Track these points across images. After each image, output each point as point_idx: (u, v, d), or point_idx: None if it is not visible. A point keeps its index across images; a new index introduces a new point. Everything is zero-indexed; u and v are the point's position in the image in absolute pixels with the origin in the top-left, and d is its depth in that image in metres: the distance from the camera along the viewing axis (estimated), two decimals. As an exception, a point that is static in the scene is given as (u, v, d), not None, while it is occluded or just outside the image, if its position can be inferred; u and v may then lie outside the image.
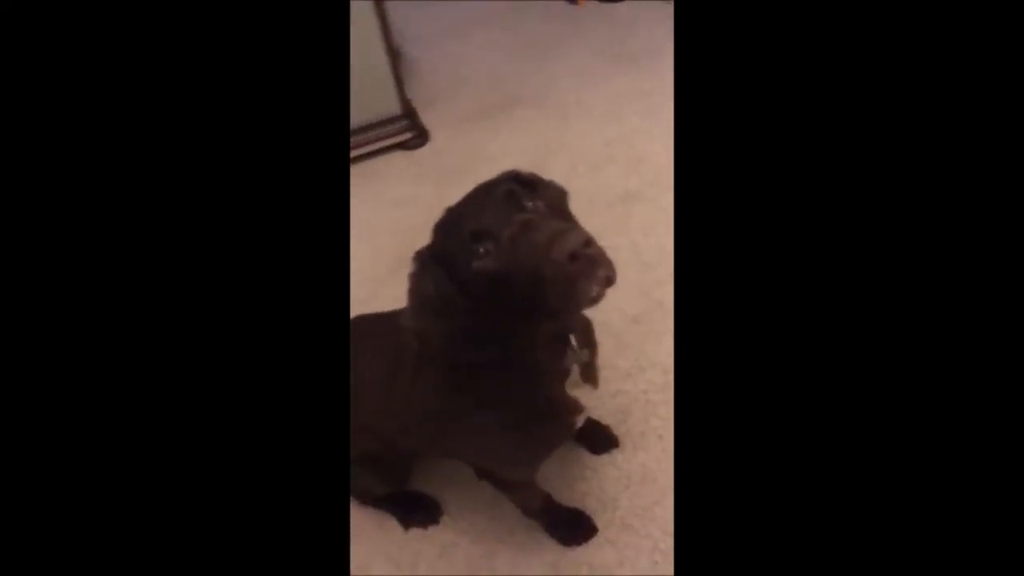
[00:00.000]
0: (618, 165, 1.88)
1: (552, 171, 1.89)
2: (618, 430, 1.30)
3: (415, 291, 0.80)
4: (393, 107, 2.09)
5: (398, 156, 2.13)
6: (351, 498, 1.24)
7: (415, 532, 1.22)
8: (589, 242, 0.67)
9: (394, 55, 2.04)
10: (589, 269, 0.67)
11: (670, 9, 2.63)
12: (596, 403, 1.31)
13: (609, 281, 0.70)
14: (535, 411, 0.91)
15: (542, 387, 0.90)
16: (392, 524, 1.24)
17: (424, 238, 0.79)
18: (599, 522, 1.17)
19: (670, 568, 1.12)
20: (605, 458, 1.27)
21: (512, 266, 0.70)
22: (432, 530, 1.22)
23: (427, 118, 2.22)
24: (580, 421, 0.97)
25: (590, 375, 0.96)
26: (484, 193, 0.78)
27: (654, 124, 1.96)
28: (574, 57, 2.40)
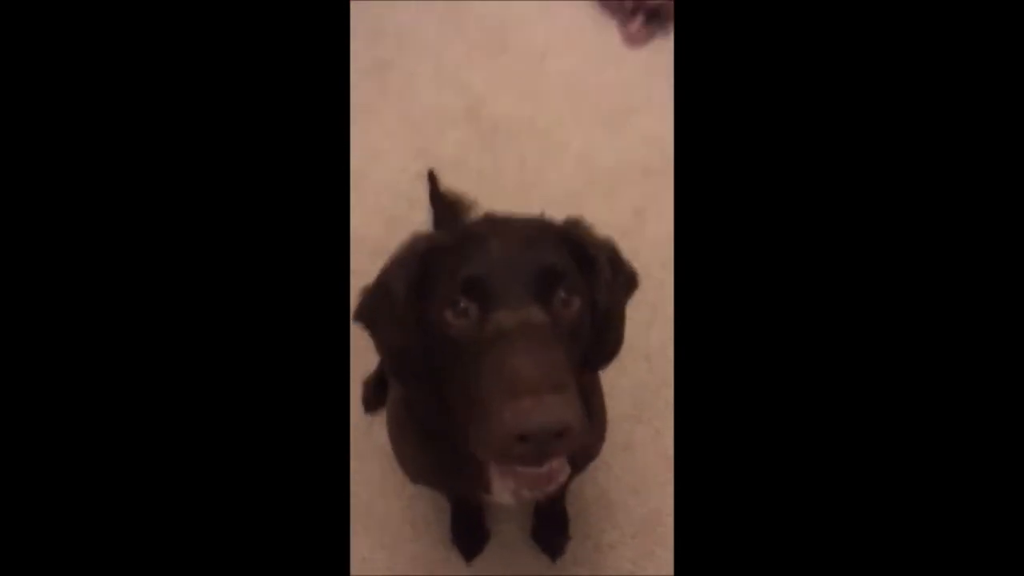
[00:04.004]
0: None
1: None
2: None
3: (386, 276, 0.67)
4: None
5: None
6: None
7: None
8: (557, 430, 0.50)
9: None
10: (532, 460, 0.53)
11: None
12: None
13: (548, 480, 0.57)
14: (440, 454, 0.77)
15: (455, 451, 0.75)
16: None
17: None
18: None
19: None
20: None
21: (468, 365, 0.57)
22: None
23: None
24: (507, 498, 0.80)
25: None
26: (516, 239, 0.61)
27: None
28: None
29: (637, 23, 1.71)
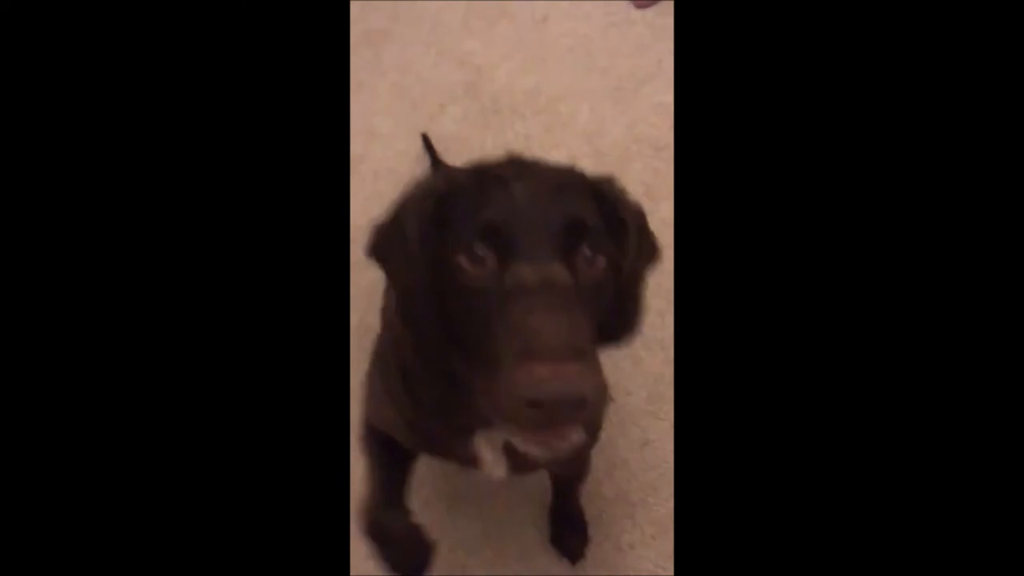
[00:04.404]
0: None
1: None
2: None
3: (400, 212, 0.62)
4: None
5: None
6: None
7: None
8: (574, 400, 0.47)
9: None
10: (541, 426, 0.49)
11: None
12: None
13: (564, 448, 0.52)
14: (427, 409, 0.73)
15: (438, 416, 0.72)
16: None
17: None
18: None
19: None
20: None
21: (481, 317, 0.53)
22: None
23: None
24: (493, 471, 0.77)
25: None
26: (542, 185, 0.57)
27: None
28: None
29: (637, -4, 1.60)
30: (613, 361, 1.24)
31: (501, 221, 0.54)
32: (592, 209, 0.58)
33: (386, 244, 0.65)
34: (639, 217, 0.66)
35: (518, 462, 0.73)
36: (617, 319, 0.65)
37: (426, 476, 1.19)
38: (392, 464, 0.82)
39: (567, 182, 0.59)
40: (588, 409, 0.48)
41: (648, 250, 0.67)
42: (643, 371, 1.26)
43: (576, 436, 0.53)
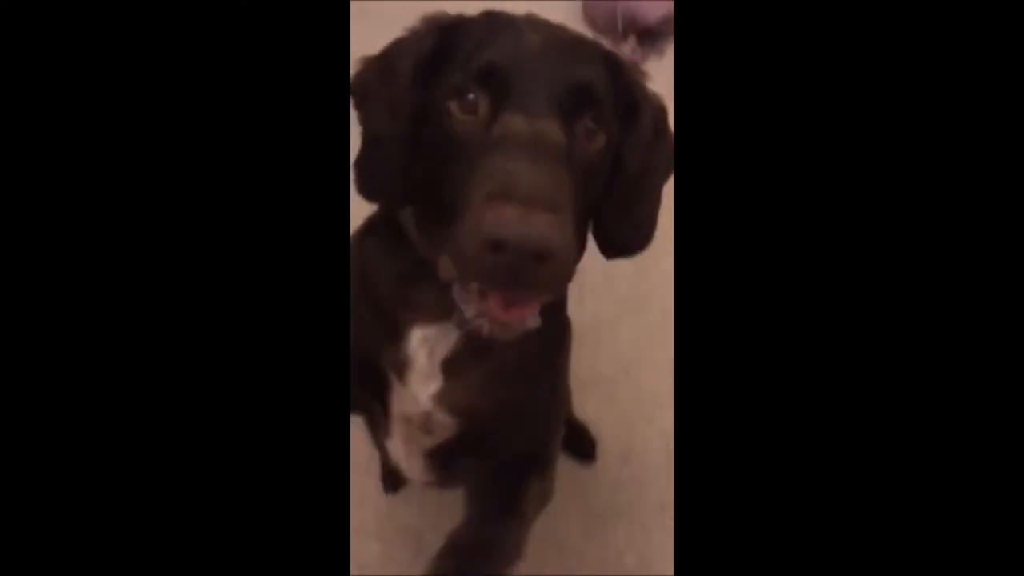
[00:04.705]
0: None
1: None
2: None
3: (394, 48, 0.58)
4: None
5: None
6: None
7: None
8: (538, 248, 0.43)
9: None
10: (501, 281, 0.45)
11: None
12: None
13: (516, 327, 0.49)
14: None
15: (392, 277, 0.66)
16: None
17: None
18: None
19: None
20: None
21: (458, 168, 0.49)
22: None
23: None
24: (421, 387, 0.68)
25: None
26: (556, 42, 0.53)
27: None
28: None
29: (630, 45, 1.58)
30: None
31: (503, 64, 0.51)
32: (605, 81, 0.55)
33: (370, 83, 0.59)
34: (658, 109, 0.61)
35: (450, 369, 0.67)
36: (625, 222, 0.61)
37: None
38: None
39: (585, 45, 0.56)
40: (551, 266, 0.45)
41: (664, 152, 0.62)
42: (665, 352, 1.25)
43: (532, 320, 0.50)
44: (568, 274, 0.48)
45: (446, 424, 0.69)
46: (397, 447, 0.75)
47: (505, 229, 0.43)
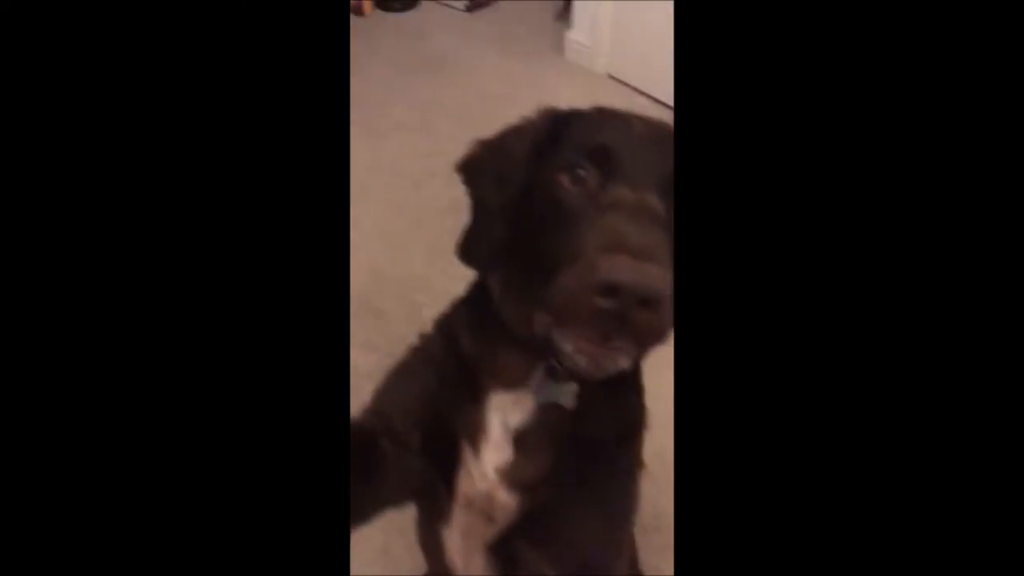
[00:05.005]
0: (440, 177, 1.84)
1: (374, 190, 1.82)
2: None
3: (506, 138, 0.66)
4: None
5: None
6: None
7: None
8: (647, 294, 0.47)
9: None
10: (608, 324, 0.49)
11: (460, 15, 2.63)
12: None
13: (610, 366, 0.53)
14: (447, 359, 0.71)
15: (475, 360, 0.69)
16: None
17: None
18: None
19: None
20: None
21: (566, 229, 0.54)
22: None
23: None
24: (493, 454, 0.69)
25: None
26: (659, 134, 0.59)
27: (467, 129, 1.94)
28: (371, 71, 2.33)
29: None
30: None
31: (613, 146, 0.57)
32: None
33: (482, 161, 0.67)
34: None
35: (526, 442, 0.69)
36: None
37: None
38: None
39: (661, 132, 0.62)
40: (656, 314, 0.48)
41: None
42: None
43: (624, 360, 0.54)
44: (668, 326, 0.51)
45: (507, 505, 0.69)
46: (454, 539, 0.74)
47: (619, 274, 0.47)
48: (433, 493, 0.75)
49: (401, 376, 0.76)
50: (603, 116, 0.63)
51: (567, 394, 0.66)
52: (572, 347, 0.54)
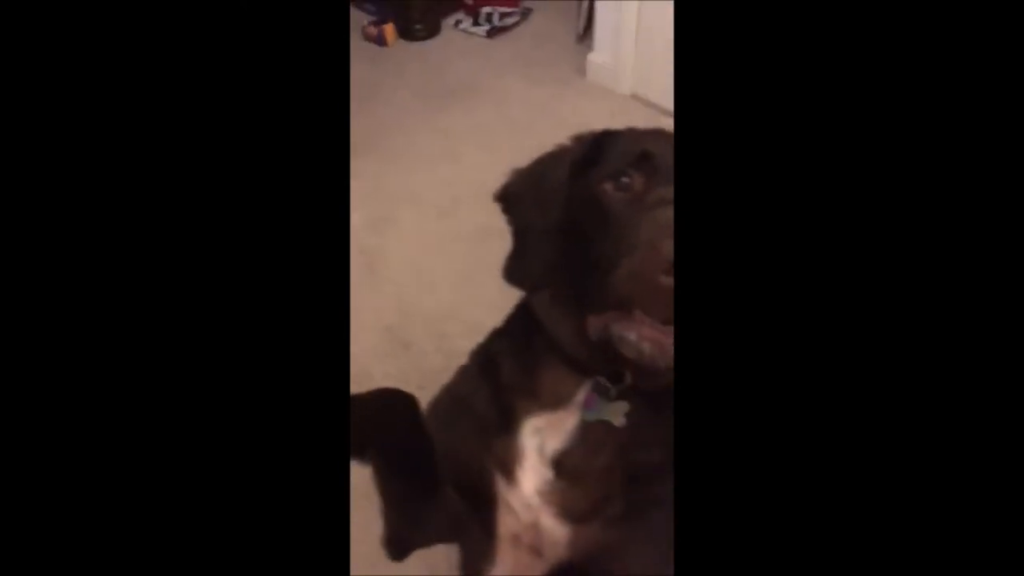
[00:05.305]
0: (465, 205, 1.82)
1: (403, 219, 1.81)
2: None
3: (542, 164, 0.71)
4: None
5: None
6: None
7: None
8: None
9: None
10: (663, 301, 0.52)
11: (482, 42, 2.64)
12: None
13: (670, 349, 0.54)
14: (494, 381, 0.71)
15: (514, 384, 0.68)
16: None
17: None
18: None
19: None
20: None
21: (616, 229, 0.57)
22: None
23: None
24: (528, 478, 0.66)
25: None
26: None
27: (491, 156, 1.93)
28: (395, 100, 2.34)
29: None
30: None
31: (655, 151, 0.61)
32: None
33: (520, 187, 0.71)
34: None
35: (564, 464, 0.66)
36: None
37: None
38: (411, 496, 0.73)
39: None
40: None
41: None
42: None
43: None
44: None
45: (557, 537, 0.66)
46: None
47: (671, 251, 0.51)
48: (469, 536, 0.73)
49: (432, 413, 0.74)
50: (636, 132, 0.67)
51: (617, 412, 0.64)
52: (636, 335, 0.55)
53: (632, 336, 0.56)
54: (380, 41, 2.66)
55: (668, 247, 0.51)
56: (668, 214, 0.54)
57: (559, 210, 0.66)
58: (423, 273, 1.66)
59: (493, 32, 2.69)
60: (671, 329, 0.54)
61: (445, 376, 0.78)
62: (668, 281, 0.52)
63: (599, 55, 2.35)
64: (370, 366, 1.45)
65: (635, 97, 2.30)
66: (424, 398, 0.76)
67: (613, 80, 2.32)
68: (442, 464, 0.70)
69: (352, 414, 0.61)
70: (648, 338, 0.55)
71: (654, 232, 0.54)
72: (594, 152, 0.66)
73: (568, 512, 0.65)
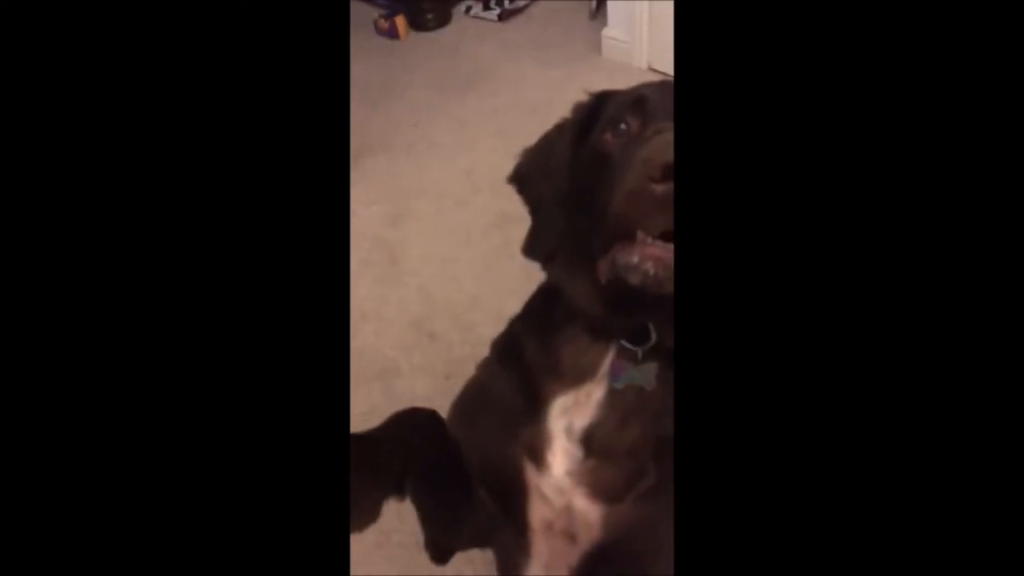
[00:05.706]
0: (484, 193, 1.80)
1: (423, 212, 1.81)
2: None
3: (548, 137, 0.73)
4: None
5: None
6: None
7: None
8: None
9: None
10: (666, 203, 0.52)
11: (494, 26, 2.61)
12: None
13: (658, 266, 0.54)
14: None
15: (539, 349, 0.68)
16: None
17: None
18: None
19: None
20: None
21: (616, 165, 0.58)
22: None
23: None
24: (558, 463, 0.64)
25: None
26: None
27: (508, 142, 1.91)
28: (409, 93, 2.33)
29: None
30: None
31: (650, 96, 0.62)
32: None
33: (530, 166, 0.73)
34: None
35: (593, 446, 0.64)
36: None
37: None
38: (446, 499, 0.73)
39: None
40: None
41: None
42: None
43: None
44: None
45: (590, 519, 0.64)
46: (536, 572, 0.69)
47: (671, 155, 0.50)
48: (503, 534, 0.71)
49: (457, 413, 0.74)
50: (633, 88, 0.67)
51: (647, 374, 0.62)
52: (639, 257, 0.54)
53: (635, 259, 0.55)
54: (392, 34, 2.64)
55: (661, 149, 0.52)
56: (664, 137, 0.54)
57: (566, 178, 0.67)
58: (445, 264, 1.66)
59: (504, 15, 2.65)
60: (672, 246, 0.54)
61: (471, 364, 0.77)
62: (662, 188, 0.52)
63: (613, 30, 2.30)
64: (397, 359, 1.45)
65: (652, 70, 2.26)
66: (452, 387, 0.77)
67: (628, 55, 2.28)
68: (470, 465, 0.69)
69: (379, 452, 0.60)
70: (651, 257, 0.54)
71: (648, 152, 0.54)
72: (594, 115, 0.67)
73: (600, 491, 0.64)
